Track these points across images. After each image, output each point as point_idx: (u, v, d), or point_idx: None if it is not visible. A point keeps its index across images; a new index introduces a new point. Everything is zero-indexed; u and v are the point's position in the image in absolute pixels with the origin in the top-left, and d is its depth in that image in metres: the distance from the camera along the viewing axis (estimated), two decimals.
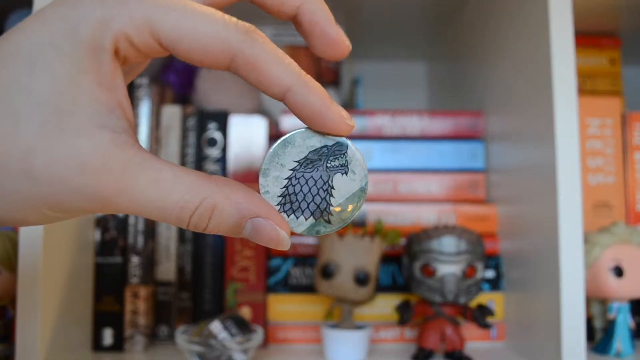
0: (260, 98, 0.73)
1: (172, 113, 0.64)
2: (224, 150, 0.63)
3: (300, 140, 0.23)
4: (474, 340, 0.62)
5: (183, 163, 0.63)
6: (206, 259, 0.62)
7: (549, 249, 0.51)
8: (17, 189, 0.20)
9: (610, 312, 0.58)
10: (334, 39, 0.24)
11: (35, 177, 0.20)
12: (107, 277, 0.59)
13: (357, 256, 0.54)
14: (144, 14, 0.20)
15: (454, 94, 0.84)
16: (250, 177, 0.62)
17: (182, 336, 0.52)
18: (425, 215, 0.65)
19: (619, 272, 0.56)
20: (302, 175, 0.23)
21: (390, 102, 0.96)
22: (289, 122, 0.66)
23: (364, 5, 0.75)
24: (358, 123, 0.67)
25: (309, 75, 0.22)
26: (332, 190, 0.23)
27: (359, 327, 0.57)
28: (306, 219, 0.23)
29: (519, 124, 0.59)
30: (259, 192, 0.23)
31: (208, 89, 0.69)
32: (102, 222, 0.59)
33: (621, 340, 0.56)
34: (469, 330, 0.62)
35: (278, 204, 0.23)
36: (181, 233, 0.62)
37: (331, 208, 0.23)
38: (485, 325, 0.55)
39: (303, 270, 0.63)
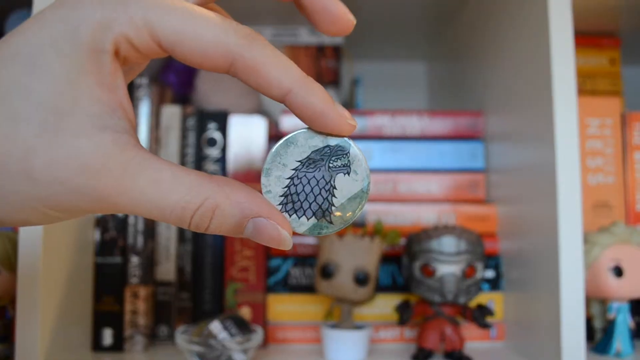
0: (260, 98, 0.73)
1: (171, 113, 0.64)
2: (223, 150, 0.63)
3: (302, 140, 0.23)
4: (473, 340, 0.62)
5: (183, 163, 0.63)
6: (206, 259, 0.62)
7: (548, 249, 0.51)
8: (17, 190, 0.20)
9: (610, 312, 0.58)
10: (336, 14, 0.24)
11: (35, 177, 0.20)
12: (107, 277, 0.59)
13: (357, 256, 0.54)
14: (144, 16, 0.20)
15: (454, 94, 0.84)
16: (250, 177, 0.62)
17: (182, 336, 0.52)
18: (425, 215, 0.65)
19: (618, 272, 0.56)
20: (304, 175, 0.23)
21: (390, 102, 0.96)
22: (289, 122, 0.66)
23: (364, 5, 0.75)
24: (358, 123, 0.67)
25: (309, 77, 0.22)
26: (334, 190, 0.23)
27: (358, 327, 0.57)
28: (308, 219, 0.23)
29: (518, 124, 0.59)
30: (260, 191, 0.23)
31: (208, 89, 0.69)
32: (102, 222, 0.59)
33: (621, 340, 0.56)
34: (469, 330, 0.62)
35: (280, 204, 0.23)
36: (181, 233, 0.62)
37: (333, 208, 0.23)
38: (485, 325, 0.55)
39: (303, 270, 0.63)
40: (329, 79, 0.82)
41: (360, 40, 0.88)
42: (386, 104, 0.94)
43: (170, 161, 0.21)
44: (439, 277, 0.54)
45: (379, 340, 0.62)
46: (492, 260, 0.63)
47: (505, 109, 0.63)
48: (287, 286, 0.63)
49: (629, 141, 0.65)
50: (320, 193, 0.23)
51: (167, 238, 0.62)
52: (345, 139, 0.23)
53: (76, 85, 0.20)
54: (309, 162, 0.23)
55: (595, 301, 0.60)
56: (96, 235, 0.59)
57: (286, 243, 0.22)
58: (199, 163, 0.63)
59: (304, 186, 0.23)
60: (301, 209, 0.23)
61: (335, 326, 0.57)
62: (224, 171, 0.63)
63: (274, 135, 0.66)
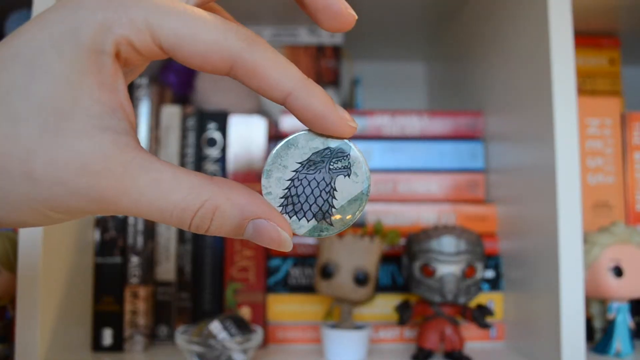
0: (260, 98, 0.73)
1: (171, 113, 0.64)
2: (223, 150, 0.63)
3: (303, 142, 0.23)
4: (473, 340, 0.62)
5: (182, 163, 0.63)
6: (206, 259, 0.62)
7: (548, 249, 0.51)
8: (17, 191, 0.20)
9: (610, 312, 0.58)
10: (338, 9, 0.24)
11: (36, 178, 0.20)
12: (107, 277, 0.59)
13: (357, 256, 0.54)
14: (145, 18, 0.20)
15: (454, 94, 0.84)
16: (250, 177, 0.62)
17: (181, 336, 0.52)
18: (425, 215, 0.65)
19: (618, 272, 0.56)
20: (305, 177, 0.23)
21: (390, 102, 0.96)
22: (289, 122, 0.66)
23: (364, 5, 0.75)
24: (358, 123, 0.67)
25: (309, 79, 0.22)
26: (335, 192, 0.23)
27: (358, 327, 0.57)
28: (308, 221, 0.23)
29: (518, 124, 0.59)
30: (260, 193, 0.23)
31: (207, 89, 0.69)
32: (101, 223, 0.59)
33: (621, 340, 0.56)
34: (469, 330, 0.62)
35: (280, 206, 0.23)
36: (181, 233, 0.62)
37: (333, 210, 0.23)
38: (485, 325, 0.55)
39: (303, 270, 0.63)
40: (328, 79, 0.82)
41: (360, 40, 0.88)
42: (386, 104, 0.94)
43: (170, 163, 0.22)
44: (439, 277, 0.54)
45: (379, 340, 0.62)
46: (492, 260, 0.63)
47: (505, 109, 0.63)
48: (287, 286, 0.63)
49: (629, 141, 0.65)
50: (320, 195, 0.23)
51: (167, 238, 0.62)
52: (346, 141, 0.23)
53: (77, 86, 0.20)
54: (309, 164, 0.23)
55: (595, 301, 0.60)
56: (96, 235, 0.59)
57: (286, 245, 0.22)
58: (199, 163, 0.63)
59: (304, 188, 0.23)
60: (301, 210, 0.23)
61: (335, 326, 0.57)
62: (223, 171, 0.63)
63: (274, 135, 0.66)
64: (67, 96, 0.20)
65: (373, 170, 0.67)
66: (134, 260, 0.59)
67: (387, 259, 0.63)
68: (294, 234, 0.23)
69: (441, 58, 0.91)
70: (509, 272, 0.62)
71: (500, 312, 0.63)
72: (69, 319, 0.54)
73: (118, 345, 0.59)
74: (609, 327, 0.57)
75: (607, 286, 0.56)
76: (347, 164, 0.23)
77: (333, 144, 0.23)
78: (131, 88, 0.61)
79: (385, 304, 0.63)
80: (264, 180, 0.23)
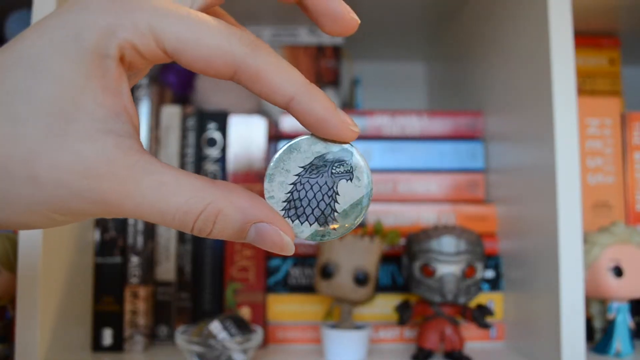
0: (260, 99, 0.73)
1: (171, 113, 0.64)
2: (223, 150, 0.63)
3: (305, 146, 0.23)
4: (473, 340, 0.62)
5: (183, 163, 0.63)
6: (206, 259, 0.62)
7: (548, 249, 0.51)
8: (20, 193, 0.20)
9: (610, 312, 0.58)
10: (340, 14, 0.24)
11: (39, 181, 0.20)
12: (107, 277, 0.59)
13: (357, 256, 0.54)
14: (149, 22, 0.20)
15: (454, 94, 0.84)
16: (250, 178, 0.62)
17: (181, 336, 0.52)
18: (425, 215, 0.65)
19: (618, 272, 0.56)
20: (307, 181, 0.23)
21: (390, 102, 0.96)
22: (289, 123, 0.66)
23: (363, 5, 0.75)
24: (358, 123, 0.67)
25: (312, 84, 0.22)
26: (337, 196, 0.23)
27: (358, 327, 0.57)
28: (310, 225, 0.24)
29: (518, 124, 0.59)
30: (263, 196, 0.23)
31: (207, 89, 0.69)
32: (101, 223, 0.59)
33: (621, 340, 0.57)
34: (469, 330, 0.62)
35: (282, 209, 0.23)
36: (181, 233, 0.62)
37: (335, 214, 0.23)
38: (485, 325, 0.55)
39: (302, 271, 0.63)
40: (328, 79, 0.82)
41: (360, 40, 0.88)
42: (386, 104, 0.94)
43: (173, 166, 0.22)
44: (438, 277, 0.54)
45: (378, 340, 0.62)
46: (492, 260, 0.63)
47: (505, 109, 0.63)
48: (287, 286, 0.63)
49: (629, 141, 0.65)
50: (322, 199, 0.23)
51: (167, 238, 0.62)
52: (348, 145, 0.23)
53: (81, 90, 0.20)
54: (311, 168, 0.23)
55: (595, 301, 0.60)
56: (96, 235, 0.59)
57: (288, 248, 0.22)
58: (199, 163, 0.63)
59: (306, 192, 0.23)
60: (304, 214, 0.23)
61: (335, 326, 0.57)
62: (223, 171, 0.63)
63: (274, 135, 0.66)
64: (71, 99, 0.20)
65: (373, 171, 0.67)
66: (134, 260, 0.59)
67: (387, 259, 0.63)
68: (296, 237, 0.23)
69: (441, 58, 0.91)
70: (509, 272, 0.62)
71: (500, 312, 0.63)
72: (69, 319, 0.54)
73: (118, 345, 0.59)
74: (609, 327, 0.57)
75: (607, 286, 0.56)
76: (349, 169, 0.23)
77: (335, 148, 0.23)
78: (131, 88, 0.61)
79: (385, 304, 0.63)
80: (266, 184, 0.23)
